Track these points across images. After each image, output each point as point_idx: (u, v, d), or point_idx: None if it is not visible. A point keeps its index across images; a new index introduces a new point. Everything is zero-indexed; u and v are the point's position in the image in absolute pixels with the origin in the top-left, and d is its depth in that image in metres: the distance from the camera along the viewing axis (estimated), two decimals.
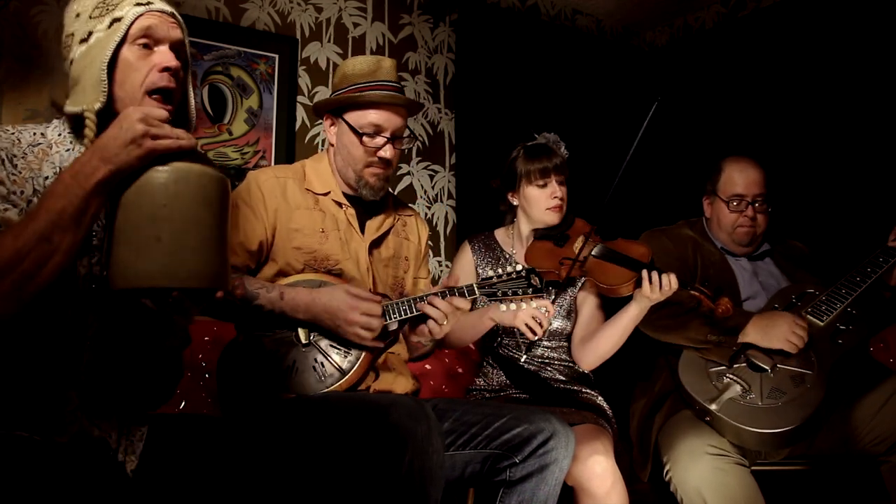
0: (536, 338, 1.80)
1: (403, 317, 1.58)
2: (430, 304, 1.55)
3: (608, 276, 1.86)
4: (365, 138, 1.65)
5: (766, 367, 1.84)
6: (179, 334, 1.25)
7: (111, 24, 1.15)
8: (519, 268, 1.62)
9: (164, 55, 1.16)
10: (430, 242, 3.16)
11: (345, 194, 1.73)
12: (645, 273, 1.78)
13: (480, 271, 2.12)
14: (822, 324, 1.90)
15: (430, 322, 1.56)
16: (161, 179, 1.01)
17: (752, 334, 1.88)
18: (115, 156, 1.01)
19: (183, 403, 2.05)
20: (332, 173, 1.74)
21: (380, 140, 1.66)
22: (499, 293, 1.61)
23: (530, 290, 1.60)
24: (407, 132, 1.73)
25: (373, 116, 1.65)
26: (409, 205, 1.96)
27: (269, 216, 1.64)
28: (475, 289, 1.60)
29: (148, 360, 1.23)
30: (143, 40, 1.16)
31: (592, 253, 1.91)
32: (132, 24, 1.15)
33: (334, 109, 1.71)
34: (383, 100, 1.65)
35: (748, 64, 3.26)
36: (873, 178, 2.77)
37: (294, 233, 1.64)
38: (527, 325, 1.79)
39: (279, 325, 1.55)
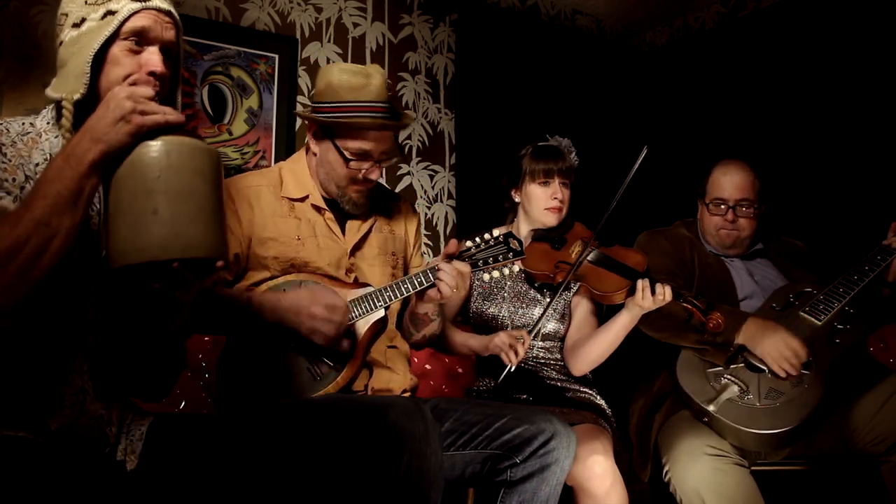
0: (513, 366, 1.76)
1: (388, 303, 1.57)
2: (439, 269, 1.54)
3: (602, 283, 1.86)
4: (351, 163, 1.59)
5: (764, 368, 1.84)
6: (184, 315, 1.24)
7: (105, 15, 1.13)
8: (496, 233, 1.61)
9: (152, 58, 1.15)
10: (426, 230, 3.16)
11: (324, 197, 1.69)
12: (639, 282, 1.77)
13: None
14: (819, 323, 1.89)
15: (441, 284, 1.54)
16: (153, 152, 1.02)
17: (746, 337, 1.86)
18: (105, 134, 1.01)
19: (183, 403, 2.05)
20: (310, 176, 1.70)
21: (366, 164, 1.60)
22: (480, 262, 1.59)
23: (511, 255, 1.59)
24: (394, 148, 1.67)
25: (359, 143, 1.58)
26: (395, 192, 1.91)
27: (244, 228, 1.60)
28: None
29: (151, 343, 1.23)
30: (134, 38, 1.14)
31: (588, 258, 1.91)
32: (125, 20, 1.13)
33: (317, 125, 1.64)
34: (372, 126, 1.57)
35: (748, 64, 3.27)
36: (873, 176, 2.77)
37: (270, 241, 1.61)
38: (502, 349, 1.77)
39: (251, 330, 1.53)
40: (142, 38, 1.15)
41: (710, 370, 1.88)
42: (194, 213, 1.02)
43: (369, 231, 1.73)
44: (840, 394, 1.89)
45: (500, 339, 1.81)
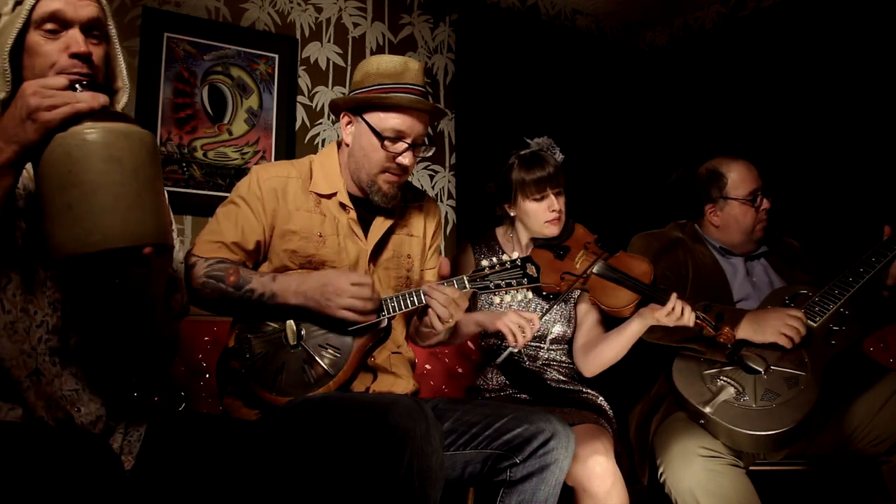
0: (517, 347, 1.71)
1: (394, 312, 1.56)
2: (429, 294, 1.54)
3: (610, 298, 1.86)
4: (386, 142, 1.59)
5: (760, 369, 1.84)
6: (151, 299, 1.22)
7: (14, 6, 1.09)
8: (515, 256, 1.60)
9: (72, 40, 1.10)
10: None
11: (351, 195, 1.69)
12: (671, 300, 1.75)
13: None
14: (815, 325, 1.89)
15: (431, 312, 1.54)
16: (63, 147, 0.99)
17: (745, 330, 1.87)
18: (15, 135, 0.99)
19: (183, 404, 2.06)
20: (339, 173, 1.69)
21: (401, 145, 1.60)
22: (492, 285, 1.58)
23: (525, 280, 1.58)
24: (426, 139, 1.67)
25: (396, 121, 1.59)
26: (421, 191, 1.90)
27: (267, 216, 1.61)
28: (466, 282, 1.58)
29: (129, 324, 1.22)
30: (49, 25, 1.09)
31: (594, 271, 1.90)
32: (33, 8, 1.08)
33: (354, 108, 1.64)
34: (409, 104, 1.58)
35: (748, 64, 3.26)
36: (872, 176, 2.77)
37: (291, 235, 1.61)
38: (510, 329, 1.72)
39: (271, 312, 1.54)
40: (57, 22, 1.10)
41: (707, 372, 1.88)
42: (111, 204, 0.99)
43: (389, 233, 1.72)
44: (838, 394, 1.89)
45: (510, 317, 1.73)
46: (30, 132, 0.99)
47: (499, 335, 2.04)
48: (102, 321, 1.21)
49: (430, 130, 1.72)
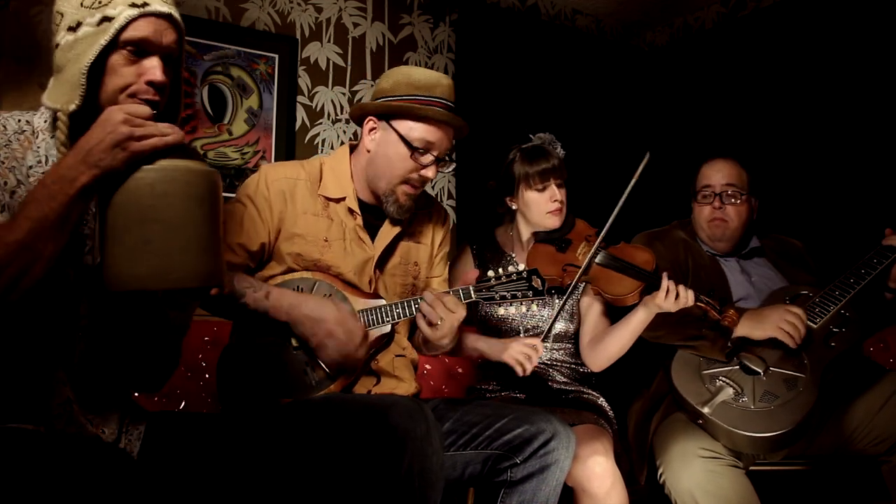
0: (525, 374, 1.75)
1: (398, 319, 1.56)
2: (424, 298, 1.54)
3: (614, 287, 1.86)
4: (415, 154, 1.58)
5: (759, 370, 1.83)
6: (179, 327, 1.23)
7: (101, 21, 1.08)
8: (521, 268, 1.59)
9: (152, 68, 1.11)
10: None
11: (360, 201, 1.67)
12: (664, 282, 1.76)
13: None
14: (815, 326, 1.89)
15: (419, 319, 1.54)
16: (148, 180, 0.99)
17: (745, 326, 1.87)
18: (100, 160, 0.99)
19: (183, 403, 2.06)
20: (350, 178, 1.67)
21: (428, 158, 1.60)
22: (497, 296, 1.56)
23: (531, 293, 1.57)
24: (452, 151, 1.67)
25: (426, 132, 1.58)
26: (432, 197, 1.89)
27: (274, 218, 1.59)
28: (471, 292, 1.57)
29: (143, 349, 1.22)
30: (132, 48, 1.10)
31: (596, 261, 1.89)
32: (123, 29, 1.08)
33: (382, 114, 1.63)
34: (442, 118, 1.58)
35: (748, 64, 3.26)
36: (873, 176, 2.77)
37: (296, 238, 1.59)
38: (517, 360, 1.75)
39: (263, 325, 1.52)
40: (141, 47, 1.11)
41: (706, 372, 1.88)
42: (187, 243, 1.00)
43: (397, 240, 1.70)
44: (838, 395, 1.89)
45: (515, 349, 1.77)
46: (118, 160, 0.99)
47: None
48: (128, 347, 1.21)
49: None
